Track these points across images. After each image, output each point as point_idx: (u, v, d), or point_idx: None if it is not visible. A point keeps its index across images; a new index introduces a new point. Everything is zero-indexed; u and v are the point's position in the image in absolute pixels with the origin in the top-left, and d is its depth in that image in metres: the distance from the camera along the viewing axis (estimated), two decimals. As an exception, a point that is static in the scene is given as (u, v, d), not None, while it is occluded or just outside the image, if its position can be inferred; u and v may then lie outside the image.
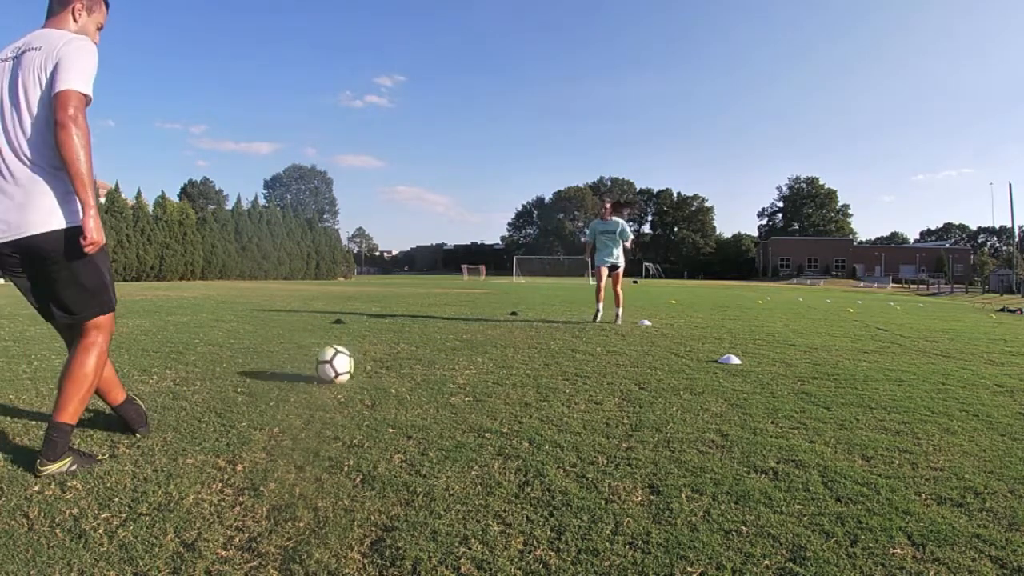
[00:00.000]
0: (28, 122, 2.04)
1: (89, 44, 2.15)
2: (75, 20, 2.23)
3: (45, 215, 2.05)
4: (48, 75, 2.04)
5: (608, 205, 8.23)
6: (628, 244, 8.15)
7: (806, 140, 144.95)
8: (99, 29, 2.35)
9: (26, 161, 2.04)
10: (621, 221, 8.11)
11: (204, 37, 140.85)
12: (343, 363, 3.74)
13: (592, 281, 8.17)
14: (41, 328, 6.33)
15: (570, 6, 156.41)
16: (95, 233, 2.07)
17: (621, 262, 8.17)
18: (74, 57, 2.05)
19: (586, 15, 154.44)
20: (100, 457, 2.28)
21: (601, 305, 8.19)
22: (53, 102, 2.01)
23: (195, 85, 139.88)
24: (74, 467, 2.13)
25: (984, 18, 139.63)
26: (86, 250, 2.08)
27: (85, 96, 2.05)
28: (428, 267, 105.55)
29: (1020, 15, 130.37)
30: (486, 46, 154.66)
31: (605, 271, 8.15)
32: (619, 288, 8.22)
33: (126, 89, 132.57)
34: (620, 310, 8.19)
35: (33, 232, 2.04)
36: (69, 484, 2.02)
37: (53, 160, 2.05)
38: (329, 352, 3.73)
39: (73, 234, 2.08)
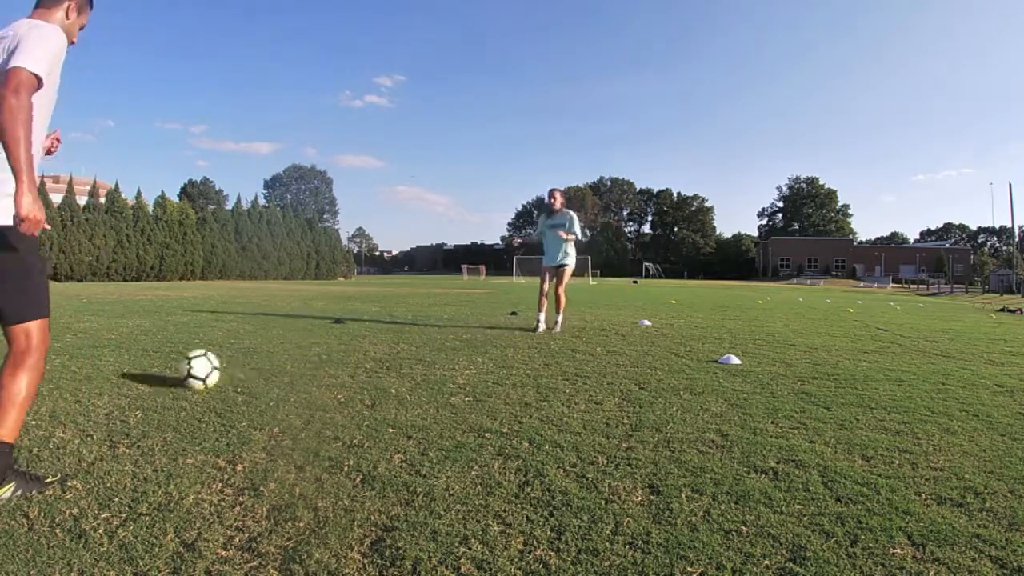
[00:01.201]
0: None
1: (53, 30, 2.08)
2: (68, 17, 2.21)
3: None
4: (6, 56, 1.96)
5: (558, 196, 7.31)
6: (569, 236, 7.09)
7: (806, 140, 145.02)
8: (81, 29, 2.33)
9: None
10: (571, 213, 7.21)
11: (204, 37, 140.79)
12: (202, 367, 3.54)
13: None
14: None
15: (570, 6, 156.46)
16: (26, 209, 1.89)
17: (570, 260, 7.18)
18: (32, 39, 1.98)
19: (586, 15, 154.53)
20: (50, 479, 2.05)
21: (543, 315, 7.12)
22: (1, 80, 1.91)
23: (195, 85, 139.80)
24: (18, 492, 1.94)
25: (984, 18, 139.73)
26: (21, 228, 1.91)
27: (33, 75, 1.94)
28: (428, 267, 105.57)
29: (1020, 15, 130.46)
30: (486, 46, 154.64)
31: (550, 273, 7.21)
32: (562, 290, 7.13)
33: (126, 89, 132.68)
34: (560, 317, 7.15)
35: None
36: (69, 484, 2.02)
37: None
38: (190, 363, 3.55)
39: (7, 231, 1.97)
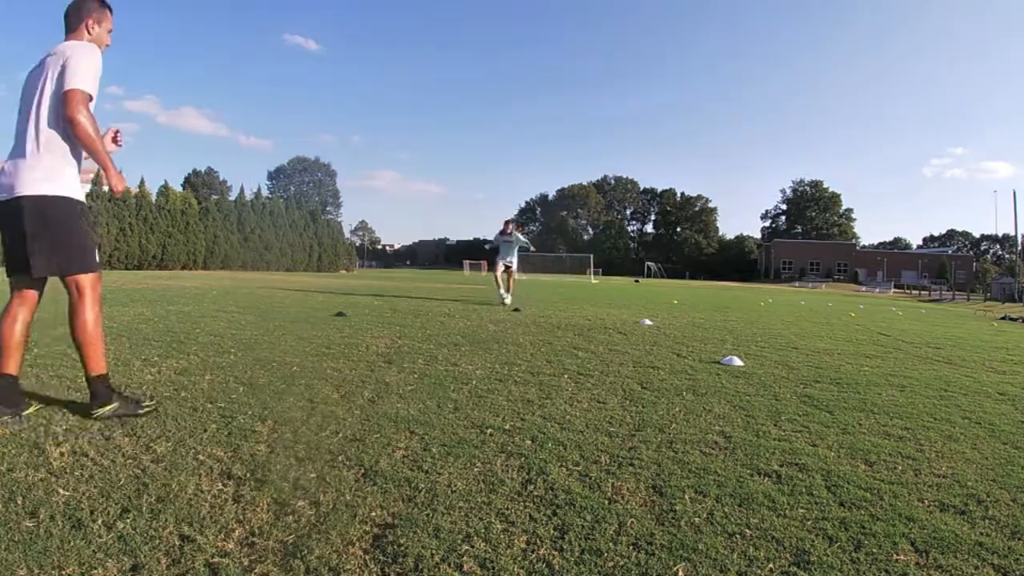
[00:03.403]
0: (44, 114, 2.50)
1: (91, 49, 2.57)
2: (89, 32, 2.66)
3: (39, 182, 2.49)
4: (57, 75, 2.47)
5: (509, 226, 11.41)
6: (524, 247, 11.63)
7: (810, 143, 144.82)
8: (110, 32, 2.79)
9: (40, 144, 2.50)
10: (517, 234, 11.49)
11: (204, 33, 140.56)
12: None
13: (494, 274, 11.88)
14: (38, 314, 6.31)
15: (575, 7, 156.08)
16: (121, 184, 2.66)
17: (515, 262, 11.47)
18: (77, 60, 2.48)
19: (592, 18, 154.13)
20: (147, 404, 2.75)
21: (503, 291, 11.12)
22: (61, 100, 2.45)
23: (201, 74, 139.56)
24: (120, 411, 2.61)
25: (986, 19, 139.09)
26: (116, 194, 2.78)
27: (87, 94, 2.47)
28: (430, 261, 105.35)
29: (1020, 16, 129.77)
30: (489, 47, 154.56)
31: (501, 267, 11.43)
32: (514, 278, 11.50)
33: (127, 82, 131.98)
34: (509, 295, 11.04)
35: (25, 193, 2.48)
36: (69, 474, 2.01)
37: (55, 145, 2.53)
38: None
39: (55, 202, 2.51)
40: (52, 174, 2.50)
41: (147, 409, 2.69)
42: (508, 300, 10.75)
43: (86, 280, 2.61)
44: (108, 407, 2.58)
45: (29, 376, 3.34)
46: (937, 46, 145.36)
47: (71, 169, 2.58)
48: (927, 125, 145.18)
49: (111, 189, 2.68)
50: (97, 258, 2.69)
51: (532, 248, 12.07)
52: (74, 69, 2.46)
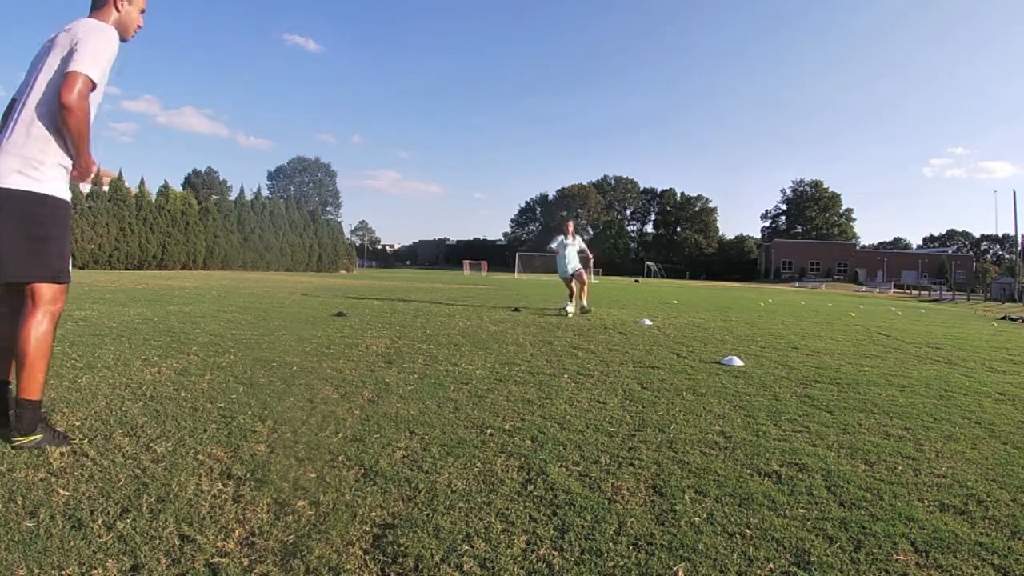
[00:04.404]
0: (38, 97, 2.22)
1: (108, 32, 2.28)
2: (118, 10, 2.40)
3: (14, 174, 2.19)
4: (64, 56, 2.20)
5: (571, 227, 10.25)
6: (590, 254, 10.63)
7: (811, 143, 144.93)
8: (142, 12, 2.52)
9: (25, 130, 2.21)
10: (580, 238, 10.37)
11: (205, 33, 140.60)
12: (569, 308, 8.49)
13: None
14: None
15: (575, 7, 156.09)
16: (81, 177, 2.38)
17: (579, 266, 10.24)
18: (91, 42, 2.21)
19: (592, 16, 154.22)
20: (76, 440, 2.31)
21: (572, 305, 9.86)
22: (61, 81, 2.16)
23: (201, 75, 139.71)
24: (44, 444, 2.22)
25: (986, 18, 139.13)
26: (73, 177, 2.35)
27: (90, 79, 2.19)
28: (430, 262, 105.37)
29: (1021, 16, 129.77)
30: (489, 47, 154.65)
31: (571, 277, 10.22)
32: (586, 281, 10.19)
33: (128, 80, 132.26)
34: (586, 299, 10.15)
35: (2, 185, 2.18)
36: (69, 474, 2.01)
37: (43, 134, 2.22)
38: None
39: (28, 198, 2.20)
40: (31, 167, 2.19)
41: (74, 444, 2.29)
42: (589, 309, 10.00)
43: (46, 291, 2.27)
44: (30, 439, 2.21)
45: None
46: (937, 45, 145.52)
47: (55, 163, 2.26)
48: (927, 125, 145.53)
49: (75, 174, 2.38)
50: (67, 269, 2.36)
51: (591, 256, 10.90)
52: (83, 51, 2.18)
